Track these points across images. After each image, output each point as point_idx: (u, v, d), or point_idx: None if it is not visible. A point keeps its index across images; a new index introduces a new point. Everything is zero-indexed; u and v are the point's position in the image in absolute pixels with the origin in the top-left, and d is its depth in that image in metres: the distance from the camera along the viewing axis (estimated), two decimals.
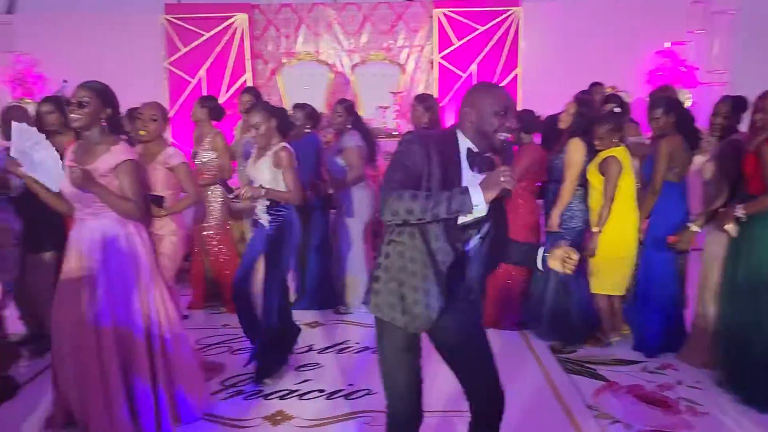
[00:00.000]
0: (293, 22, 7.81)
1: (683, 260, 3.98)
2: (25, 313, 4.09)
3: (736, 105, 3.79)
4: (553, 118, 4.41)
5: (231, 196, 3.65)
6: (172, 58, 7.55)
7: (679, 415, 3.21)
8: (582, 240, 3.97)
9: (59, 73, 6.91)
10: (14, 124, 2.90)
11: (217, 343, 4.23)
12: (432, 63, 7.75)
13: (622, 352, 3.99)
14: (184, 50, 7.54)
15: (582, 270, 4.03)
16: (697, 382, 3.56)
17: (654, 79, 7.43)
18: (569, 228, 3.99)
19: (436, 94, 7.62)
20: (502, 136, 2.10)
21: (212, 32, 7.54)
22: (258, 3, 7.76)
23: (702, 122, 4.43)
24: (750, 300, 3.27)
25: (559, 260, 2.10)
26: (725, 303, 3.45)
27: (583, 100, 4.10)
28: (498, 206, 2.14)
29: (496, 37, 7.59)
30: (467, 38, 7.61)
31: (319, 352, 4.08)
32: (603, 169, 3.83)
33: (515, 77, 7.63)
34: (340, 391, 3.50)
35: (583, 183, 3.99)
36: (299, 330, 3.84)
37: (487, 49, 7.61)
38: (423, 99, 4.67)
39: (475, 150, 2.09)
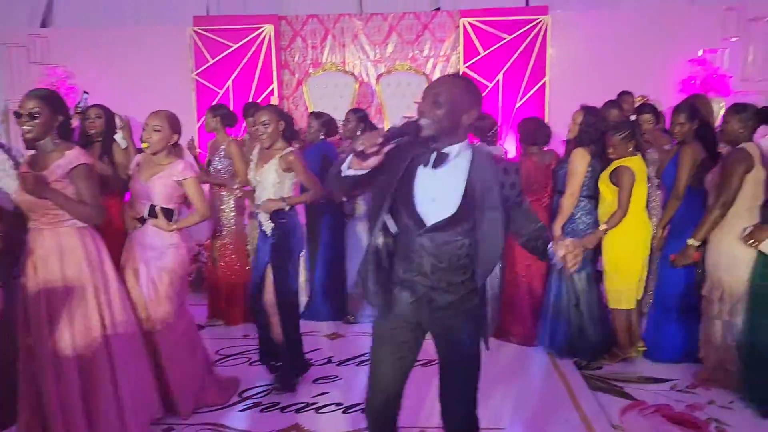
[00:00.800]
0: (320, 33, 7.84)
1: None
2: None
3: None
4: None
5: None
6: (200, 69, 7.64)
7: None
8: (588, 253, 3.86)
9: (91, 84, 7.06)
10: None
11: (235, 354, 4.22)
12: (458, 72, 7.70)
13: (651, 369, 3.85)
14: (212, 61, 7.63)
15: (594, 284, 3.95)
16: (729, 402, 3.41)
17: (687, 88, 7.23)
18: None
19: None
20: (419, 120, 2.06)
21: (240, 43, 7.61)
22: (285, 14, 7.83)
23: None
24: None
25: (564, 250, 2.10)
26: (756, 318, 3.31)
27: (589, 108, 3.99)
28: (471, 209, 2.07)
29: (523, 47, 7.50)
30: (494, 47, 7.53)
31: (337, 365, 4.03)
32: (615, 179, 3.73)
33: (543, 86, 7.52)
34: (357, 405, 3.45)
35: (591, 195, 3.89)
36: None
37: (513, 59, 7.52)
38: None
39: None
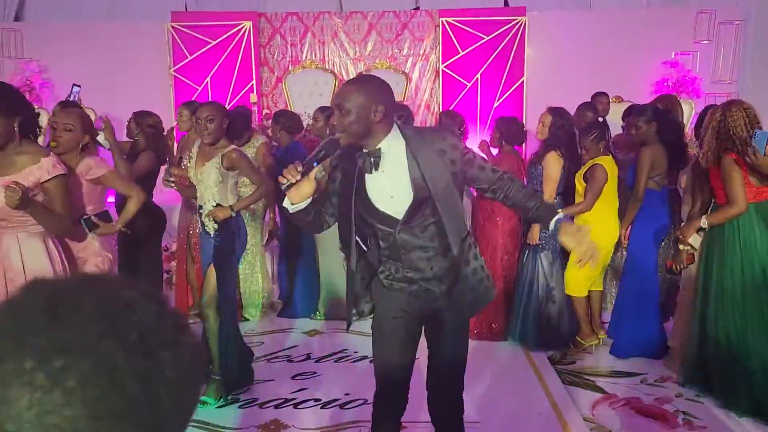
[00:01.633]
0: (299, 31, 7.84)
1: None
2: None
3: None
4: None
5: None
6: (178, 66, 7.60)
7: (676, 428, 3.18)
8: (558, 246, 4.00)
9: (66, 79, 6.98)
10: None
11: None
12: (437, 72, 7.76)
13: (621, 364, 3.96)
14: (190, 58, 7.59)
15: (562, 277, 4.10)
16: (696, 395, 3.52)
17: (660, 90, 7.39)
18: (547, 236, 4.01)
19: (440, 103, 7.65)
20: (335, 134, 2.15)
21: (218, 40, 7.58)
22: (264, 11, 7.81)
23: None
24: (735, 307, 3.28)
25: (572, 237, 2.16)
26: (706, 314, 3.43)
27: (556, 110, 4.09)
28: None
29: (501, 47, 7.59)
30: (472, 47, 7.61)
31: (316, 361, 4.07)
32: (587, 177, 3.86)
33: (520, 86, 7.63)
34: (336, 400, 3.49)
35: (561, 192, 4.01)
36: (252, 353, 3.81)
37: (492, 58, 7.61)
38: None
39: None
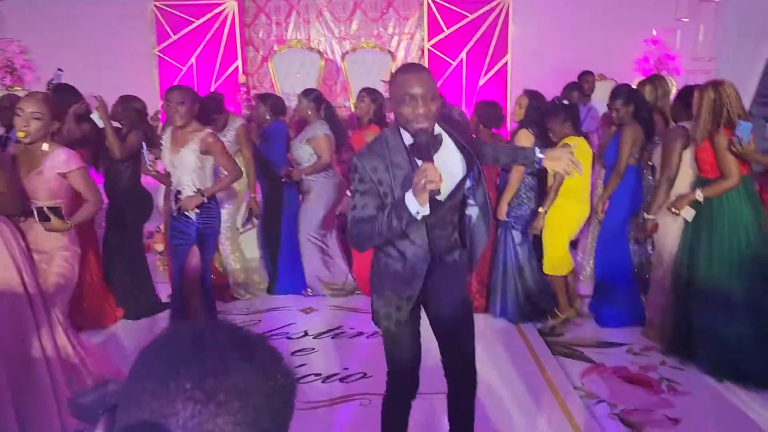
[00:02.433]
0: (284, 10, 7.81)
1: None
2: None
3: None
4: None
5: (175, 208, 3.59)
6: (162, 46, 7.53)
7: (660, 394, 3.35)
8: (526, 224, 4.20)
9: (49, 60, 6.89)
10: None
11: None
12: (422, 50, 7.79)
13: (608, 335, 4.12)
14: (175, 37, 7.53)
15: (534, 252, 4.29)
16: (680, 362, 3.70)
17: (642, 68, 7.52)
18: (518, 216, 4.19)
19: None
20: (417, 125, 2.01)
21: (203, 19, 7.53)
22: None
23: None
24: (722, 274, 3.45)
25: (556, 159, 2.25)
26: (693, 281, 3.58)
27: (533, 93, 4.28)
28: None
29: (485, 25, 7.64)
30: (457, 26, 7.65)
31: (314, 338, 4.17)
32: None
33: (505, 65, 7.70)
34: (335, 375, 3.60)
35: (533, 172, 4.15)
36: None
37: (476, 37, 7.67)
38: (370, 92, 4.80)
39: (413, 143, 2.04)
